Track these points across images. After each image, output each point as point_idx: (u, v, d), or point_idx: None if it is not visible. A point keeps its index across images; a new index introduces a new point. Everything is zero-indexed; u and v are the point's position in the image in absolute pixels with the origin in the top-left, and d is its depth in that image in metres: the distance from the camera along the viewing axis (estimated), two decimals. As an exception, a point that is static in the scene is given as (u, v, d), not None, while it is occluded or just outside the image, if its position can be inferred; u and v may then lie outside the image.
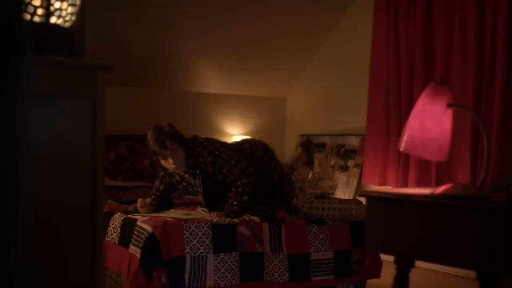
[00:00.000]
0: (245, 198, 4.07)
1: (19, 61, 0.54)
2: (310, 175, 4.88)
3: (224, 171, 4.15)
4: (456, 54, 4.85)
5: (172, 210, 4.19)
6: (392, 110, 5.36)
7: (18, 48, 0.54)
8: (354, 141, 5.98)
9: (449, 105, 2.41)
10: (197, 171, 4.19)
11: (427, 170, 5.03)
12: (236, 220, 3.93)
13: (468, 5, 4.76)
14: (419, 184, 5.03)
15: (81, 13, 1.92)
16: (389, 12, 5.37)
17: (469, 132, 4.71)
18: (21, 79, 0.54)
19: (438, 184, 4.51)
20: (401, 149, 2.53)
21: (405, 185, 5.17)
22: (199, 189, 4.23)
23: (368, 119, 5.58)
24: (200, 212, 4.13)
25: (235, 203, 4.04)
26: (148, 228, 3.65)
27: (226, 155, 4.19)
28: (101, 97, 1.69)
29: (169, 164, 4.11)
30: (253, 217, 4.01)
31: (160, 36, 5.71)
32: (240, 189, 4.09)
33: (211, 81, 6.47)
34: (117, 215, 4.02)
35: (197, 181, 4.21)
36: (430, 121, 2.38)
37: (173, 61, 6.02)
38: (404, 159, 5.19)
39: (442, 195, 2.38)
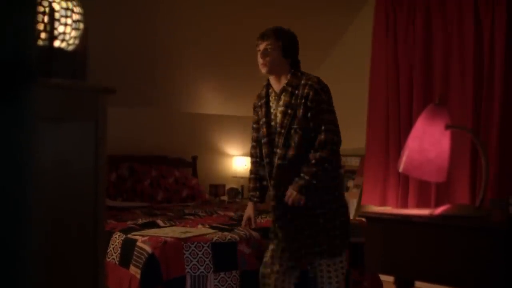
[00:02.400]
0: (324, 172, 3.58)
1: (32, 87, 0.57)
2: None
3: (322, 116, 3.65)
4: (455, 75, 4.89)
5: (171, 228, 4.20)
6: (391, 131, 5.38)
7: (31, 75, 0.57)
8: (354, 162, 6.00)
9: (447, 127, 2.44)
10: (292, 100, 3.66)
11: (426, 191, 5.04)
12: (236, 237, 3.93)
13: (466, 24, 4.80)
14: (419, 205, 5.04)
15: (84, 36, 1.95)
16: (388, 31, 5.42)
17: (468, 152, 4.73)
18: (33, 105, 0.57)
19: (438, 204, 4.52)
20: (400, 170, 2.55)
21: (405, 205, 5.18)
22: (281, 131, 3.66)
23: (367, 139, 5.60)
24: (200, 229, 4.14)
25: (315, 172, 3.54)
26: (148, 248, 3.66)
27: (330, 105, 3.73)
28: (103, 119, 1.71)
29: (258, 59, 3.74)
30: (254, 233, 4.02)
31: (161, 56, 5.75)
32: (316, 163, 3.57)
33: (211, 102, 6.50)
34: (116, 235, 4.03)
35: (285, 121, 3.67)
36: (428, 143, 2.40)
37: (174, 82, 6.06)
38: (404, 179, 5.21)
39: (441, 216, 2.40)
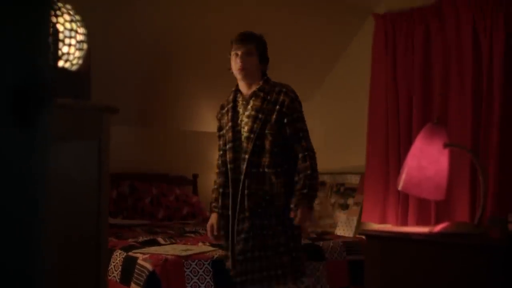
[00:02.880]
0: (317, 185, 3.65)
1: (47, 112, 0.60)
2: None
3: (298, 124, 3.60)
4: (454, 93, 4.92)
5: (172, 245, 4.21)
6: (391, 148, 5.41)
7: (46, 99, 0.60)
8: (354, 180, 6.02)
9: (445, 146, 2.47)
10: (263, 105, 3.58)
11: (426, 208, 5.05)
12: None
13: (465, 42, 4.85)
14: (419, 222, 5.05)
15: (88, 56, 1.99)
16: (387, 48, 5.47)
17: (468, 169, 4.75)
18: (48, 129, 0.59)
19: (438, 222, 4.54)
20: (400, 188, 2.57)
21: (405, 223, 5.19)
22: (250, 136, 3.56)
23: (367, 157, 5.63)
24: (201, 247, 4.14)
25: (310, 186, 3.52)
26: (149, 266, 3.67)
27: (303, 114, 3.69)
28: (107, 137, 1.74)
29: (237, 62, 3.65)
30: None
31: (161, 75, 5.79)
32: (313, 173, 3.60)
33: (211, 120, 6.53)
34: (117, 253, 4.05)
35: (255, 125, 3.57)
36: (427, 161, 2.43)
37: (174, 100, 6.09)
38: (404, 197, 5.23)
39: (440, 233, 2.42)
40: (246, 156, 3.52)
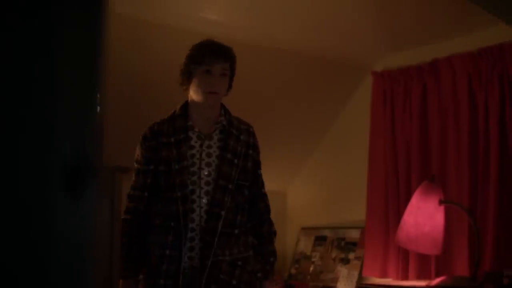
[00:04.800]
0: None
1: (96, 183, 0.70)
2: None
3: (259, 172, 3.05)
4: (451, 150, 5.01)
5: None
6: (391, 204, 5.47)
7: (95, 171, 0.71)
8: (354, 234, 6.07)
9: (440, 202, 2.56)
10: (238, 147, 2.87)
11: (427, 262, 5.09)
12: None
13: (461, 105, 4.97)
14: (420, 276, 5.08)
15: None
16: (386, 107, 5.60)
17: (466, 224, 4.79)
18: (95, 198, 0.70)
19: (438, 276, 4.58)
20: (398, 243, 2.66)
21: (406, 277, 5.21)
22: (228, 186, 2.78)
23: (367, 212, 5.69)
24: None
25: (271, 256, 2.99)
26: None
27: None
28: (119, 195, 1.84)
29: (209, 82, 2.79)
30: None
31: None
32: (272, 229, 3.03)
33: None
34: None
35: (232, 172, 2.81)
36: (423, 218, 2.52)
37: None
38: (404, 251, 5.26)
39: (437, 287, 2.49)
40: (221, 213, 2.76)
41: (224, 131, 2.86)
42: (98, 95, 0.72)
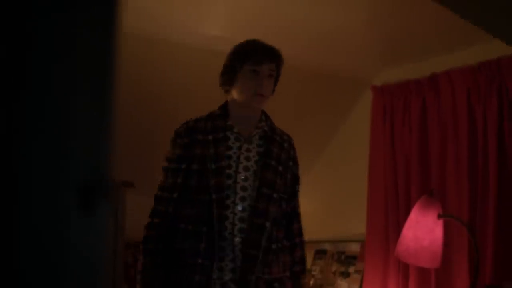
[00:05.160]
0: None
1: (108, 202, 0.73)
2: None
3: (297, 186, 2.75)
4: (450, 164, 5.03)
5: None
6: (391, 218, 5.48)
7: (107, 190, 0.74)
8: (354, 247, 6.07)
9: (439, 217, 2.59)
10: (282, 155, 2.63)
11: (427, 276, 5.09)
12: None
13: (460, 119, 5.00)
14: (419, 290, 5.09)
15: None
16: (385, 122, 5.62)
17: (466, 238, 4.81)
18: (107, 217, 0.73)
19: (437, 290, 4.59)
20: (397, 257, 2.68)
21: (406, 291, 5.22)
22: (273, 195, 2.53)
23: (367, 226, 5.70)
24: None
25: (302, 269, 2.72)
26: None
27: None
28: (123, 210, 1.87)
29: (257, 83, 2.58)
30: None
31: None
32: (303, 255, 2.74)
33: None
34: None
35: (277, 180, 2.55)
36: (422, 231, 2.54)
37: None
38: (404, 265, 5.27)
39: (436, 301, 2.51)
40: (267, 224, 2.48)
41: (265, 137, 2.64)
42: (112, 110, 0.73)
